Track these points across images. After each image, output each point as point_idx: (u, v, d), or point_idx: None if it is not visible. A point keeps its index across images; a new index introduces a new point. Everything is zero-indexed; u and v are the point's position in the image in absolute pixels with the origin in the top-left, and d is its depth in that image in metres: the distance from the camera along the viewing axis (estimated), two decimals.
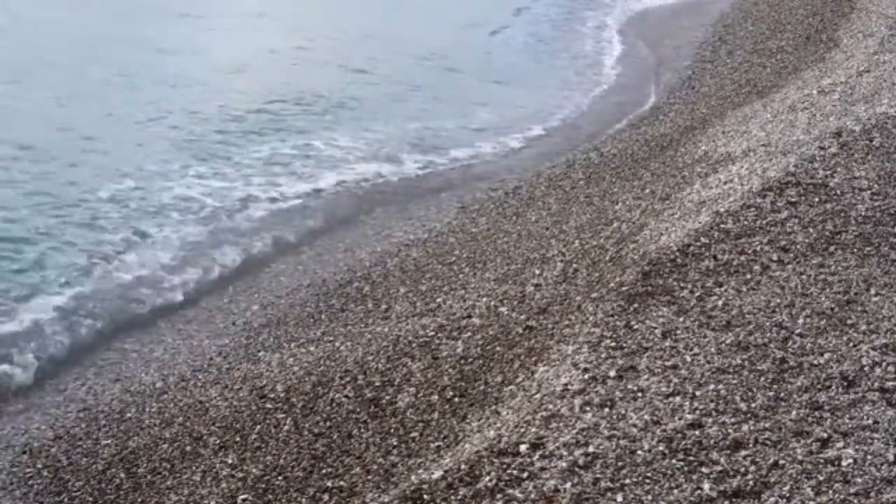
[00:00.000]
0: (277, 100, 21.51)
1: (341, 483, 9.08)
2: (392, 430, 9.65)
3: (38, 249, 14.47)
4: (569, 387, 8.43)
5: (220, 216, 16.30)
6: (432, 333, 11.26)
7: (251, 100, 21.24)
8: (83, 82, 21.64)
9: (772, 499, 7.11)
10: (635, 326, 9.29)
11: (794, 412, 8.01)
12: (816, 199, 11.80)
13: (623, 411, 8.02)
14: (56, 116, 19.37)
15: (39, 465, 10.49)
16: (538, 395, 8.53)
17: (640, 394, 8.25)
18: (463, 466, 7.62)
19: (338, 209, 17.13)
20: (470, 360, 10.40)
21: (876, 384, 8.38)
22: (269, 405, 10.66)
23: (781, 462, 7.45)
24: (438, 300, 12.45)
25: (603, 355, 8.86)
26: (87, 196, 16.23)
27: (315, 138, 19.72)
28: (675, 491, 7.17)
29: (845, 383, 8.40)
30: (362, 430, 9.80)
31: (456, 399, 9.74)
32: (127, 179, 16.88)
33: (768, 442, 7.66)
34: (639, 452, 7.54)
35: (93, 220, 15.57)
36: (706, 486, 7.21)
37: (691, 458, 7.50)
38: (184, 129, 19.39)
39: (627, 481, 7.27)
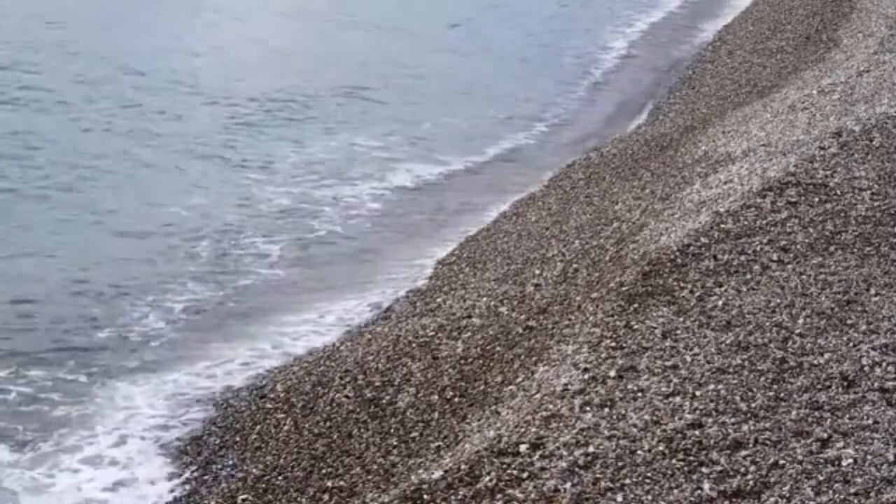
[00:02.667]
0: (287, 99, 21.15)
1: (341, 483, 9.09)
2: (392, 430, 9.65)
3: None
4: (569, 387, 8.43)
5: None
6: (432, 333, 11.26)
7: (260, 101, 20.93)
8: (83, 84, 21.46)
9: (772, 499, 7.12)
10: (635, 326, 9.29)
11: (794, 412, 8.02)
12: (816, 199, 11.80)
13: (623, 411, 8.03)
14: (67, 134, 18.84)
15: None
16: (538, 395, 8.53)
17: (640, 394, 8.25)
18: (463, 466, 7.63)
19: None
20: (470, 360, 10.40)
21: (876, 384, 8.39)
22: (269, 405, 10.66)
23: (781, 462, 7.45)
24: (438, 300, 12.45)
25: (603, 355, 8.86)
26: (174, 211, 15.52)
27: (343, 138, 19.16)
28: (675, 491, 7.18)
29: (845, 383, 8.41)
30: (362, 430, 9.80)
31: (456, 399, 9.74)
32: (194, 195, 16.06)
33: (768, 442, 7.67)
34: (639, 452, 7.54)
35: (199, 236, 14.87)
36: (706, 486, 7.22)
37: (691, 458, 7.50)
38: (209, 132, 18.95)
39: (627, 481, 7.27)
